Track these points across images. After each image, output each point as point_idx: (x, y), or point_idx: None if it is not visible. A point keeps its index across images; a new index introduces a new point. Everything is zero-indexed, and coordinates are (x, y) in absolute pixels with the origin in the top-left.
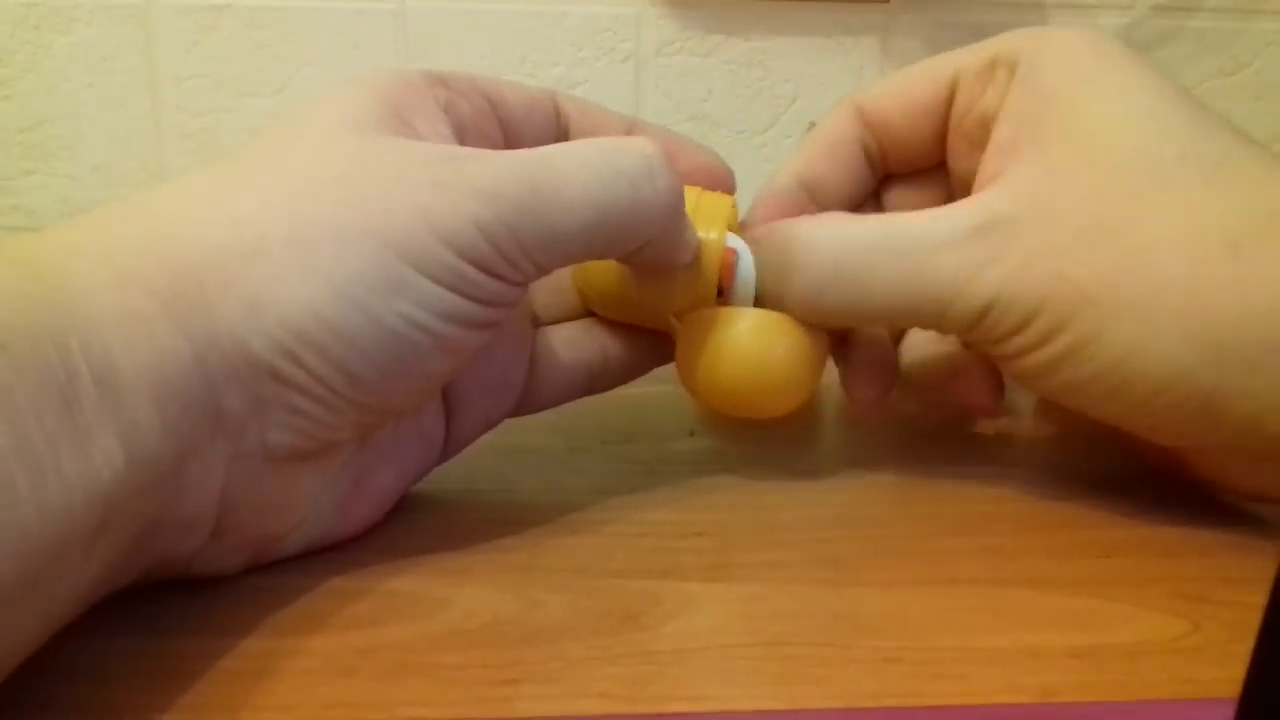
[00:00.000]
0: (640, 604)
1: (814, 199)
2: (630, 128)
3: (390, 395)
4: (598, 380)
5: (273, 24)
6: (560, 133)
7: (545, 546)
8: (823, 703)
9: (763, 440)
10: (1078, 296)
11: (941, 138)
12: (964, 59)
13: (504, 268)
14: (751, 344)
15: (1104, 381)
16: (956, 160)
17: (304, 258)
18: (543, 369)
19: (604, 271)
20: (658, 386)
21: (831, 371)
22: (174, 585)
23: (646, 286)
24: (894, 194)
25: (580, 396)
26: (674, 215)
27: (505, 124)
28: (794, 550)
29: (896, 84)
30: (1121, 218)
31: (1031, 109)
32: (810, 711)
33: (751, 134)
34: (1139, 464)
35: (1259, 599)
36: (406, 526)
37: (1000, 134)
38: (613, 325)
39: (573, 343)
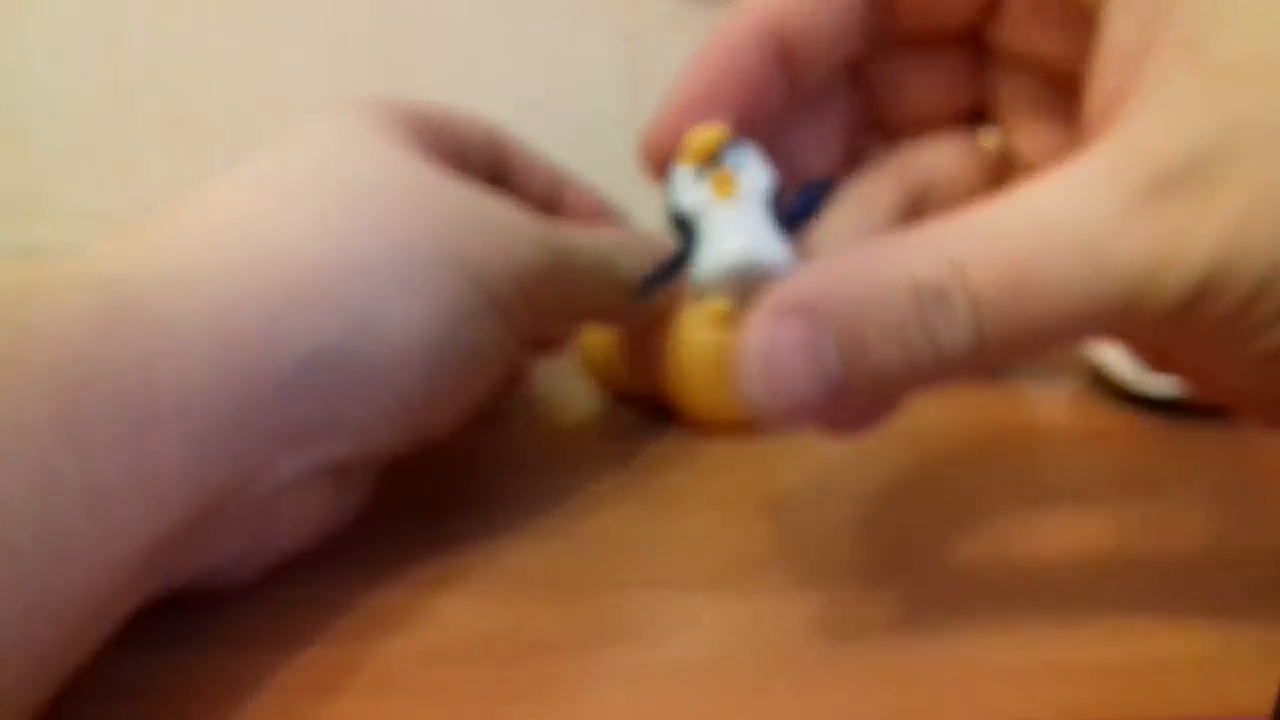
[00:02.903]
0: (638, 615)
1: (786, 55)
2: (557, 182)
3: (445, 418)
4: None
5: (247, 7)
6: (501, 169)
7: (539, 555)
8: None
9: (763, 443)
10: None
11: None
12: None
13: (535, 306)
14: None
15: None
16: (1012, 32)
17: (407, 278)
18: None
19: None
20: None
21: None
22: None
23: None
24: (890, 70)
25: None
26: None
27: (460, 156)
28: (794, 552)
29: None
30: None
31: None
32: None
33: None
34: (1161, 471)
35: None
36: (392, 534)
37: (1118, 30)
38: None
39: None
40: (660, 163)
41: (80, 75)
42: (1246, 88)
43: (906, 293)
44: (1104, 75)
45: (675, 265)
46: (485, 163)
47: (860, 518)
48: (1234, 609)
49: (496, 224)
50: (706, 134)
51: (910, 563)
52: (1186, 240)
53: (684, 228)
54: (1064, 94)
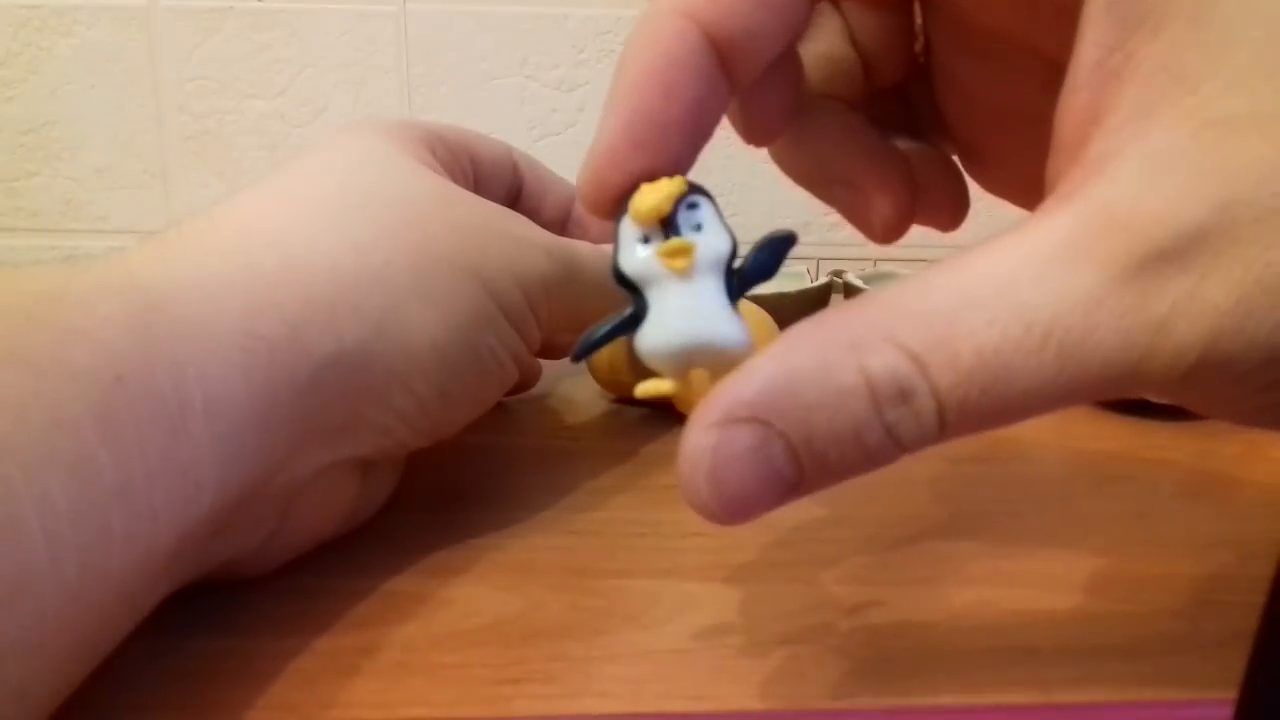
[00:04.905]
0: (640, 604)
1: (725, 60)
2: (570, 201)
3: (459, 421)
4: None
5: (274, 26)
6: (515, 189)
7: (545, 546)
8: (823, 703)
9: None
10: None
11: None
12: None
13: (543, 317)
14: None
15: None
16: None
17: (423, 286)
18: None
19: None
20: None
21: None
22: None
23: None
24: (837, 19)
25: None
26: None
27: (476, 176)
28: (794, 550)
29: None
30: None
31: None
32: (810, 711)
33: None
34: (1131, 466)
35: (1259, 599)
36: (406, 527)
37: (1098, 32)
38: None
39: None
40: (603, 212)
41: (115, 95)
42: (1246, 151)
43: (862, 397)
44: (1078, 90)
45: (622, 328)
46: (502, 181)
47: (845, 510)
48: (1198, 595)
49: (510, 238)
50: (659, 193)
51: (894, 551)
52: (1175, 330)
53: (632, 290)
54: (1005, 55)
